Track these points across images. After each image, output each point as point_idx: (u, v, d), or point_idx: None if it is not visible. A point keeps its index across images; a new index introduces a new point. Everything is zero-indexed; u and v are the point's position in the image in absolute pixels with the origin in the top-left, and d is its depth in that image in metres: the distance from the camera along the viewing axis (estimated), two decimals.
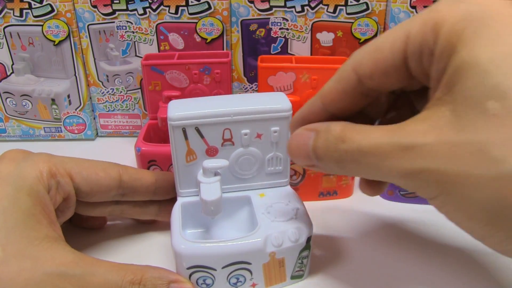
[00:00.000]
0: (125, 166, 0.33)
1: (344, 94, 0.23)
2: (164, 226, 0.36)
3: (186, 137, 0.30)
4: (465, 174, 0.17)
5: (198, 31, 0.46)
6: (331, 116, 0.24)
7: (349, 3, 0.44)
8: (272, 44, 0.47)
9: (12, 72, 0.48)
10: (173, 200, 0.33)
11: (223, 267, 0.28)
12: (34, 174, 0.28)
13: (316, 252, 0.33)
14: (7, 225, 0.25)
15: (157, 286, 0.26)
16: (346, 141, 0.21)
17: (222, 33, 0.46)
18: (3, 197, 0.26)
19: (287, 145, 0.25)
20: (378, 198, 0.41)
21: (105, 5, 0.45)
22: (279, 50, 0.47)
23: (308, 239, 0.29)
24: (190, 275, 0.28)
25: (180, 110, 0.30)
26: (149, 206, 0.34)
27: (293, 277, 0.30)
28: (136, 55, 0.48)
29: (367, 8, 0.45)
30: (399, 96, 0.26)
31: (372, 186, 0.27)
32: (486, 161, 0.16)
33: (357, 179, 0.42)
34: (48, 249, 0.25)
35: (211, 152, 0.31)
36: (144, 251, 0.34)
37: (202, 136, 0.30)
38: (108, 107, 0.51)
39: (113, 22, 0.46)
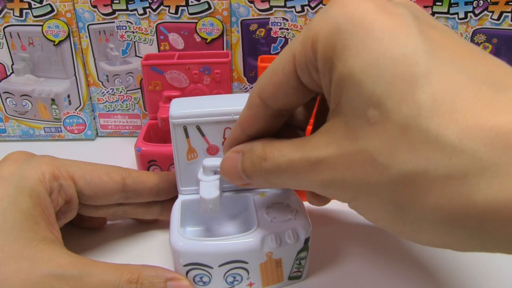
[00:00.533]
0: (128, 170, 0.33)
1: (257, 119, 0.24)
2: (164, 224, 0.36)
3: (187, 135, 0.30)
4: (363, 182, 0.18)
5: (198, 31, 0.46)
6: (255, 138, 0.25)
7: None
8: (272, 44, 0.47)
9: (12, 72, 0.48)
10: (176, 199, 0.33)
11: (220, 265, 0.28)
12: (36, 176, 0.28)
13: (315, 253, 0.33)
14: (6, 226, 0.25)
15: (155, 285, 0.27)
16: (267, 159, 0.22)
17: (222, 33, 0.46)
18: (3, 197, 0.26)
19: (220, 169, 0.26)
20: None
21: (105, 5, 0.45)
22: (279, 50, 0.47)
23: (306, 240, 0.29)
24: (187, 272, 0.28)
25: (181, 108, 0.30)
26: (152, 206, 0.35)
27: (290, 278, 0.30)
28: (136, 55, 0.48)
29: None
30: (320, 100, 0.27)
31: (317, 197, 0.28)
32: (375, 168, 0.17)
33: None
34: (45, 251, 0.25)
35: (212, 151, 0.31)
36: (144, 249, 0.34)
37: (203, 135, 0.30)
38: (108, 107, 0.51)
39: (113, 22, 0.46)
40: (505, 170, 0.14)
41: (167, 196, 0.34)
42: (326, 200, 0.28)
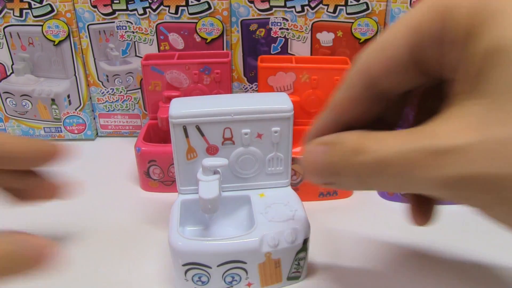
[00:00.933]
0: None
1: (354, 102, 0.21)
2: (163, 224, 0.36)
3: (186, 135, 0.30)
4: None
5: (198, 31, 0.46)
6: (345, 129, 0.21)
7: (349, 3, 0.44)
8: (272, 44, 0.47)
9: (12, 72, 0.48)
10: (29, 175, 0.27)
11: (218, 265, 0.28)
12: None
13: (315, 253, 0.33)
14: None
15: None
16: (365, 152, 0.18)
17: (222, 33, 0.46)
18: None
19: (301, 163, 0.22)
20: (378, 198, 0.41)
21: (105, 5, 0.45)
22: (279, 50, 0.47)
23: (305, 241, 0.29)
24: (185, 272, 0.28)
25: (181, 108, 0.30)
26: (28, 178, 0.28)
27: (289, 278, 0.30)
28: (136, 55, 0.48)
29: (367, 8, 0.45)
30: (420, 96, 0.24)
31: (421, 212, 0.24)
32: None
33: None
34: None
35: (212, 151, 0.31)
36: (143, 248, 0.34)
37: (202, 135, 0.30)
38: (108, 107, 0.51)
39: (113, 22, 0.46)
40: None
41: (18, 166, 0.27)
42: (430, 218, 0.24)
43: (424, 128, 0.17)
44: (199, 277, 0.29)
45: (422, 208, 0.24)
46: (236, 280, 0.29)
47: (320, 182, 0.21)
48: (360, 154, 0.18)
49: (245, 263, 0.28)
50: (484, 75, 0.16)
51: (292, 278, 0.31)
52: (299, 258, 0.30)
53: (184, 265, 0.28)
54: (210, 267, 0.28)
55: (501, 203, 0.16)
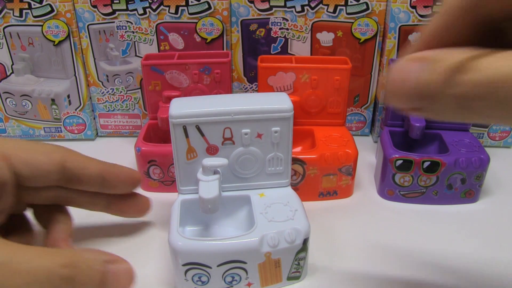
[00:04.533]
0: (72, 152, 0.31)
1: (452, 29, 0.18)
2: (163, 223, 0.36)
3: (186, 135, 0.30)
4: None
5: (198, 31, 0.46)
6: None
7: (349, 3, 0.44)
8: (272, 44, 0.47)
9: (12, 72, 0.48)
10: (125, 196, 0.32)
11: (218, 265, 0.28)
12: None
13: (315, 253, 0.33)
14: None
15: (92, 268, 0.24)
16: (473, 70, 0.15)
17: (222, 33, 0.46)
18: None
19: (386, 83, 0.19)
20: (378, 198, 0.41)
21: (105, 5, 0.45)
22: (279, 50, 0.47)
23: (305, 241, 0.29)
24: (185, 272, 0.28)
25: (181, 108, 0.30)
26: (98, 196, 0.33)
27: (289, 278, 0.30)
28: (136, 55, 0.48)
29: (367, 8, 0.45)
30: None
31: None
32: None
33: (357, 179, 0.42)
34: None
35: (212, 151, 0.31)
36: (143, 248, 0.34)
37: (202, 134, 0.30)
38: (108, 107, 0.51)
39: (113, 22, 0.46)
40: None
41: (111, 190, 0.32)
42: None
43: None
44: (199, 277, 0.29)
45: None
46: (236, 280, 0.29)
47: (406, 106, 0.18)
48: (468, 71, 0.16)
49: (245, 263, 0.28)
50: None
51: (292, 278, 0.31)
52: (299, 258, 0.30)
53: (184, 265, 0.28)
54: (210, 267, 0.28)
55: None
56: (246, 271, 0.29)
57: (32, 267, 0.23)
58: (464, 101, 0.16)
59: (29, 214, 0.33)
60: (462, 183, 0.38)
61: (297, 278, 0.31)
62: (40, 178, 0.29)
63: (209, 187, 0.30)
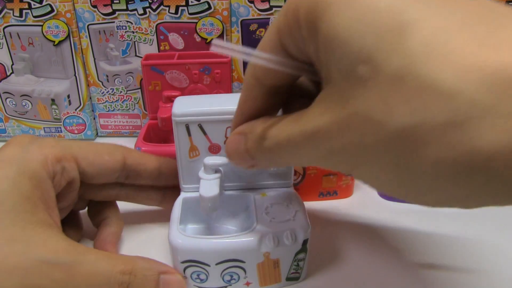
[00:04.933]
0: (129, 149, 0.33)
1: (254, 99, 0.23)
2: (164, 221, 0.36)
3: (189, 133, 0.30)
4: (361, 146, 0.17)
5: (198, 31, 0.46)
6: (259, 116, 0.24)
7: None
8: None
9: (12, 72, 0.48)
10: (177, 189, 0.33)
11: (217, 264, 0.28)
12: (39, 159, 0.28)
13: (315, 253, 0.33)
14: (4, 208, 0.25)
15: (148, 277, 0.26)
16: (267, 138, 0.21)
17: (222, 33, 0.46)
18: (3, 179, 0.26)
19: (225, 152, 0.26)
20: (378, 198, 0.41)
21: (105, 5, 0.45)
22: None
23: (305, 242, 0.29)
24: (184, 269, 0.28)
25: (184, 106, 0.30)
26: (154, 191, 0.35)
27: (288, 279, 0.30)
28: (136, 55, 0.48)
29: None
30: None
31: None
32: (371, 128, 0.16)
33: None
34: (41, 234, 0.25)
35: (214, 149, 0.31)
36: (143, 245, 0.34)
37: (205, 133, 0.30)
38: (108, 107, 0.51)
39: (113, 22, 0.46)
40: (508, 109, 0.13)
41: (168, 182, 0.34)
42: None
43: (304, 112, 0.20)
44: (198, 275, 0.29)
45: None
46: (234, 279, 0.29)
47: (245, 166, 0.25)
48: (265, 140, 0.22)
49: (243, 262, 0.28)
50: (329, 61, 0.18)
51: (291, 278, 0.31)
52: (299, 259, 0.30)
53: (183, 262, 0.28)
54: (209, 265, 0.28)
55: (359, 169, 0.18)
56: (245, 270, 0.29)
57: (93, 270, 0.25)
58: (271, 159, 0.22)
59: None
60: None
61: (296, 278, 0.31)
62: (104, 176, 0.32)
63: (209, 185, 0.30)
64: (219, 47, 0.21)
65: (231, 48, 0.21)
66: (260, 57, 0.21)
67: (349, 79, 0.17)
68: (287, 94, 0.24)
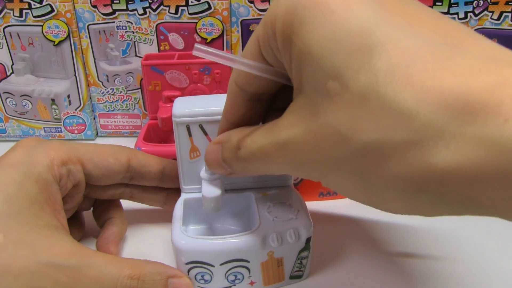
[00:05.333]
0: (134, 151, 0.33)
1: (237, 106, 0.24)
2: (166, 222, 0.36)
3: (190, 134, 0.30)
4: (330, 158, 0.18)
5: (198, 31, 0.46)
6: (241, 125, 0.25)
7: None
8: None
9: (12, 72, 0.48)
10: (180, 190, 0.33)
11: (221, 264, 0.28)
12: (44, 162, 0.28)
13: (316, 253, 0.33)
14: (11, 211, 0.25)
15: (156, 282, 0.26)
16: (241, 148, 0.23)
17: (222, 33, 0.46)
18: (10, 183, 0.26)
19: (205, 160, 0.27)
20: None
21: (105, 5, 0.45)
22: None
23: (308, 240, 0.29)
24: (188, 270, 0.28)
25: (185, 107, 0.30)
26: (158, 193, 0.35)
27: (292, 277, 0.30)
28: (136, 55, 0.48)
29: None
30: None
31: None
32: (339, 141, 0.17)
33: None
34: (48, 237, 0.25)
35: None
36: (146, 247, 0.34)
37: (206, 134, 0.30)
38: (108, 107, 0.51)
39: (113, 22, 0.46)
40: (461, 132, 0.14)
41: (171, 184, 0.34)
42: None
43: (276, 122, 0.21)
44: (202, 276, 0.29)
45: None
46: (238, 279, 0.29)
47: (223, 173, 0.26)
48: (239, 149, 0.23)
49: (247, 261, 0.28)
50: (300, 76, 0.19)
51: (295, 277, 0.31)
52: (302, 257, 0.30)
53: (187, 263, 0.28)
54: (213, 266, 0.28)
55: (328, 178, 0.19)
56: (249, 270, 0.29)
57: (100, 274, 0.25)
58: (246, 168, 0.23)
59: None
60: None
61: (299, 277, 0.31)
62: (109, 178, 0.32)
63: (212, 186, 0.30)
64: (201, 51, 0.22)
65: (212, 53, 0.22)
66: (240, 63, 0.22)
67: (319, 93, 0.18)
68: (270, 103, 0.25)
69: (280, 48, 0.20)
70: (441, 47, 0.16)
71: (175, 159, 0.34)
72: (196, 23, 0.46)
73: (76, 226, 0.34)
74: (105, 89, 0.50)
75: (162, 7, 0.45)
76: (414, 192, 0.16)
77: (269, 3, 0.45)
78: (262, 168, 0.22)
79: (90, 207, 0.35)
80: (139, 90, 0.50)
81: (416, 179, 0.16)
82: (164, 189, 0.35)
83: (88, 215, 0.36)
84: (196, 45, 0.22)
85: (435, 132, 0.15)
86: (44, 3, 0.45)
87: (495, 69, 0.15)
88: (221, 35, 0.46)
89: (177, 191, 0.34)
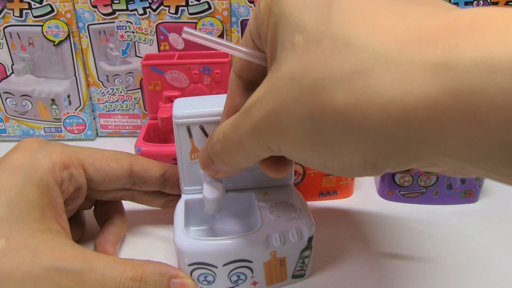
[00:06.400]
0: (136, 156, 0.33)
1: (234, 94, 0.25)
2: (168, 223, 0.36)
3: (190, 135, 0.30)
4: (284, 107, 0.18)
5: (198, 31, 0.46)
6: None
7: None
8: None
9: (12, 72, 0.48)
10: (179, 196, 0.33)
11: (224, 265, 0.28)
12: (46, 166, 0.28)
13: (317, 252, 0.33)
14: (12, 216, 0.25)
15: (159, 282, 0.26)
16: (214, 137, 0.24)
17: (222, 33, 0.46)
18: (12, 187, 0.26)
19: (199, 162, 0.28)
20: (378, 198, 0.41)
21: (105, 5, 0.45)
22: None
23: (310, 239, 0.29)
24: (191, 272, 0.28)
25: (185, 108, 0.30)
26: (158, 196, 0.35)
27: (294, 276, 0.31)
28: (136, 55, 0.48)
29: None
30: None
31: (276, 165, 0.26)
32: (292, 86, 0.18)
33: (357, 179, 0.42)
34: (49, 241, 0.25)
35: None
36: (148, 248, 0.34)
37: (206, 135, 0.30)
38: (108, 107, 0.51)
39: (113, 22, 0.46)
40: (409, 60, 0.14)
41: (172, 190, 0.34)
42: (285, 169, 0.26)
43: (244, 106, 0.21)
44: (205, 277, 0.29)
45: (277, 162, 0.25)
46: (241, 279, 0.29)
47: (211, 173, 0.27)
48: (216, 143, 0.24)
49: (250, 262, 0.28)
50: (275, 39, 0.19)
51: (297, 276, 0.31)
52: (304, 256, 0.30)
53: (190, 265, 0.28)
54: (216, 267, 0.28)
55: (285, 138, 0.19)
56: (252, 270, 0.29)
57: (102, 276, 0.25)
58: (222, 161, 0.24)
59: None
60: (462, 183, 0.39)
61: (301, 276, 0.31)
62: (111, 183, 0.32)
63: (213, 187, 0.29)
64: (190, 34, 0.22)
65: (201, 36, 0.23)
66: (226, 46, 0.23)
67: (286, 49, 0.18)
68: None
69: (262, 20, 0.21)
70: (397, 1, 0.17)
71: (175, 159, 0.34)
72: (196, 23, 0.46)
73: (76, 225, 0.34)
74: (105, 89, 0.50)
75: (162, 7, 0.45)
76: (360, 130, 0.16)
77: None
78: (233, 154, 0.22)
79: (91, 206, 0.35)
80: (139, 90, 0.50)
81: (362, 110, 0.15)
82: (165, 194, 0.35)
83: (88, 214, 0.36)
84: (185, 29, 0.23)
85: (381, 61, 0.15)
86: (44, 3, 0.45)
87: (449, 14, 0.15)
88: (221, 35, 0.46)
89: (176, 197, 0.34)
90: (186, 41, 0.47)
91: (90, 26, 0.46)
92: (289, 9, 0.19)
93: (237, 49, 0.23)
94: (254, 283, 0.30)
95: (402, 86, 0.14)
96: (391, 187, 0.40)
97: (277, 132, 0.19)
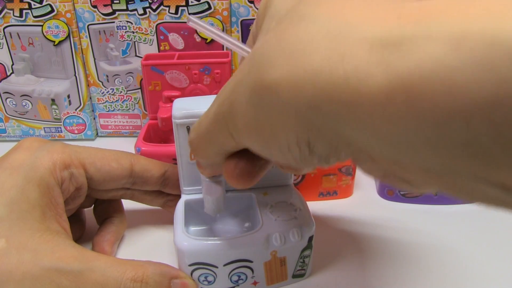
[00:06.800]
0: (137, 156, 0.33)
1: None
2: (168, 223, 0.36)
3: None
4: (240, 85, 0.18)
5: (198, 31, 0.46)
6: None
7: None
8: None
9: (12, 72, 0.48)
10: (179, 196, 0.33)
11: (225, 265, 0.28)
12: (47, 165, 0.28)
13: (317, 252, 0.33)
14: (13, 216, 0.25)
15: (160, 283, 0.26)
16: (195, 128, 0.23)
17: None
18: (12, 187, 0.26)
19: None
20: (378, 198, 0.41)
21: (105, 5, 0.45)
22: None
23: (310, 239, 0.29)
24: (192, 272, 0.28)
25: (184, 108, 0.30)
26: (158, 196, 0.35)
27: (294, 276, 0.31)
28: (136, 55, 0.48)
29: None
30: None
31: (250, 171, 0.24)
32: (249, 62, 0.18)
33: (357, 179, 0.42)
34: (49, 242, 0.25)
35: None
36: (148, 249, 0.34)
37: None
38: (108, 107, 0.51)
39: (113, 22, 0.46)
40: (346, 35, 0.14)
41: (172, 190, 0.34)
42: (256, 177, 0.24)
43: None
44: (205, 277, 0.29)
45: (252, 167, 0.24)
46: (242, 279, 0.29)
47: (201, 171, 0.27)
48: (191, 132, 0.23)
49: (251, 262, 0.28)
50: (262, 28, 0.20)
51: (297, 276, 0.31)
52: (304, 256, 0.30)
53: (190, 265, 0.28)
54: (217, 267, 0.28)
55: (257, 123, 0.18)
56: (252, 270, 0.29)
57: (102, 277, 0.25)
58: (197, 149, 0.23)
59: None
60: None
61: (302, 275, 0.31)
62: (111, 182, 0.32)
63: (213, 187, 0.29)
64: (195, 23, 0.23)
65: (205, 27, 0.24)
66: (227, 40, 0.23)
67: (264, 33, 0.19)
68: None
69: (259, 19, 0.21)
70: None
71: (175, 159, 0.34)
72: None
73: (77, 223, 0.34)
74: (105, 89, 0.50)
75: (162, 7, 0.45)
76: (293, 104, 0.15)
77: None
78: (203, 143, 0.22)
79: (91, 205, 0.35)
80: (139, 90, 0.50)
81: (297, 83, 0.15)
82: (165, 193, 0.35)
83: (88, 213, 0.36)
84: (190, 17, 0.23)
85: (322, 34, 0.15)
86: (44, 3, 0.45)
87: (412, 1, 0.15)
88: None
89: (176, 197, 0.34)
90: (186, 41, 0.47)
91: (90, 26, 0.46)
92: (276, 1, 0.19)
93: (236, 44, 0.23)
94: (255, 283, 0.30)
95: (333, 58, 0.14)
96: (391, 187, 0.40)
97: (232, 111, 0.19)
